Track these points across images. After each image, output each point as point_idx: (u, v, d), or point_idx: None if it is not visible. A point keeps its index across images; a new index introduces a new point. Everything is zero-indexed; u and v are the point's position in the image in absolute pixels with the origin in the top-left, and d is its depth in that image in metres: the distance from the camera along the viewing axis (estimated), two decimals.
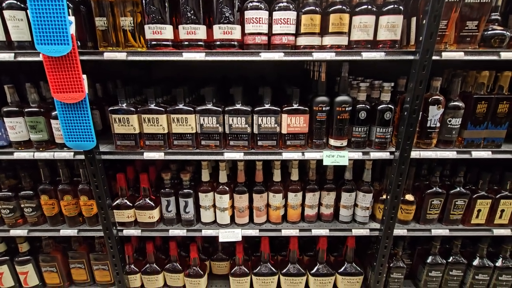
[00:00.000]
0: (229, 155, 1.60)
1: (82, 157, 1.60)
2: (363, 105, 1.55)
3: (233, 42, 1.44)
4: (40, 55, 1.39)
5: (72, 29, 1.26)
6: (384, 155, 1.59)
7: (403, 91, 1.67)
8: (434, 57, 1.38)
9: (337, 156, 1.57)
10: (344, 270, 1.89)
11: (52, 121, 1.58)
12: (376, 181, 1.87)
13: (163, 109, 1.55)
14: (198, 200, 1.79)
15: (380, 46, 1.45)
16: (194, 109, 1.56)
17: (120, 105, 1.55)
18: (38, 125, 1.57)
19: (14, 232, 1.82)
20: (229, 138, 1.60)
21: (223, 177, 1.74)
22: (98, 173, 1.60)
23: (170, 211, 1.81)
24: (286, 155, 1.60)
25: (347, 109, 1.53)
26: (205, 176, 1.76)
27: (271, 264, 1.93)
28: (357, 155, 1.60)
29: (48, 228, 1.84)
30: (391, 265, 1.88)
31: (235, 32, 1.42)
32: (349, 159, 1.59)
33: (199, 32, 1.41)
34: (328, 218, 1.84)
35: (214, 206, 1.81)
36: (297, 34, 1.46)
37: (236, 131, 1.58)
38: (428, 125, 1.56)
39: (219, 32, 1.41)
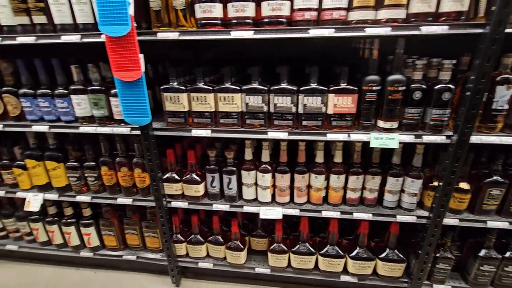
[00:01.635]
0: (273, 134, 1.62)
1: (137, 132, 1.73)
2: (419, 85, 1.45)
3: (281, 19, 1.42)
4: (102, 36, 1.50)
5: (131, 10, 1.33)
6: (439, 139, 1.48)
7: (465, 69, 1.52)
8: (507, 30, 1.23)
9: (386, 138, 1.51)
10: (386, 256, 1.85)
11: (111, 99, 1.72)
12: (426, 166, 1.76)
13: (211, 88, 1.60)
14: (241, 177, 1.85)
15: (443, 19, 1.33)
16: (240, 88, 1.58)
17: (171, 83, 1.62)
18: (99, 102, 1.72)
19: (79, 198, 2.05)
20: (274, 117, 1.61)
21: (265, 156, 1.77)
22: (151, 148, 1.72)
23: (214, 187, 1.90)
24: (331, 136, 1.57)
25: (400, 88, 1.44)
26: (248, 154, 1.80)
27: (309, 244, 1.95)
28: (409, 138, 1.51)
29: (107, 196, 2.04)
30: (437, 255, 1.80)
31: (284, 8, 1.39)
32: (400, 142, 1.51)
33: (248, 9, 1.41)
34: (371, 203, 1.79)
35: (256, 184, 1.86)
36: (349, 8, 1.39)
37: (281, 111, 1.58)
38: (493, 107, 1.41)
39: (268, 8, 1.39)
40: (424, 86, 1.45)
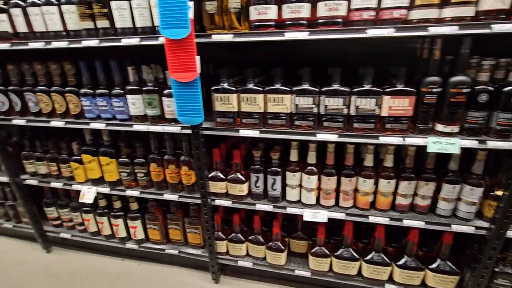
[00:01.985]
0: (322, 136, 1.60)
1: (187, 131, 1.79)
2: (485, 87, 1.36)
3: (337, 20, 1.39)
4: (160, 39, 1.57)
5: (191, 14, 1.38)
6: (507, 145, 1.38)
7: None
8: None
9: (445, 143, 1.43)
10: (437, 267, 1.75)
11: (164, 99, 1.79)
12: (487, 174, 1.65)
13: (261, 89, 1.61)
14: (285, 178, 1.85)
15: None
16: (290, 89, 1.58)
17: (221, 84, 1.66)
18: (153, 102, 1.81)
19: (129, 193, 2.16)
20: (323, 119, 1.59)
21: (312, 158, 1.76)
22: (200, 147, 1.77)
23: (258, 187, 1.91)
24: (384, 139, 1.52)
25: (464, 90, 1.36)
26: (294, 156, 1.80)
27: (353, 249, 1.90)
28: (471, 143, 1.42)
29: (154, 191, 2.13)
30: (496, 270, 1.67)
31: (341, 8, 1.37)
32: (461, 147, 1.43)
33: (303, 10, 1.40)
34: (423, 210, 1.71)
35: (300, 185, 1.85)
36: (410, 6, 1.34)
37: (332, 112, 1.56)
38: None
39: (324, 9, 1.37)
40: (491, 88, 1.35)
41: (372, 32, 1.34)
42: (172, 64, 1.51)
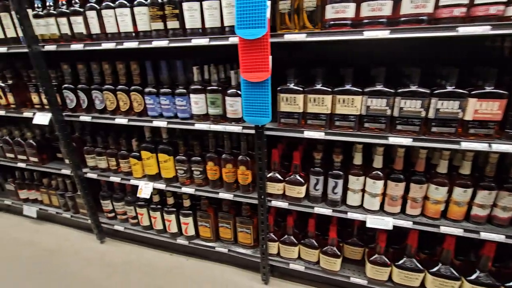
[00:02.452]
0: (394, 140, 1.52)
1: (248, 131, 1.79)
2: None
3: (422, 17, 1.32)
4: (229, 39, 1.58)
5: (268, 13, 1.37)
6: None
7: None
8: None
9: None
10: None
11: (227, 98, 1.80)
12: None
13: (330, 90, 1.57)
14: (347, 182, 1.79)
15: None
16: (362, 90, 1.52)
17: (288, 84, 1.64)
18: (216, 101, 1.82)
19: (184, 190, 2.21)
20: (397, 122, 1.52)
21: (378, 162, 1.69)
22: (263, 147, 1.76)
23: (318, 190, 1.87)
24: (466, 145, 1.42)
25: None
26: (358, 159, 1.74)
27: (416, 260, 1.81)
28: None
29: (209, 189, 2.16)
30: None
31: (428, 6, 1.29)
32: None
33: (385, 8, 1.34)
34: (503, 222, 1.58)
35: (363, 190, 1.78)
36: (508, 2, 1.23)
37: (407, 115, 1.48)
38: None
39: (410, 6, 1.30)
40: None
41: (464, 30, 1.25)
42: (244, 64, 1.51)
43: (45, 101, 2.33)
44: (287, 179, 1.91)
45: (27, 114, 2.44)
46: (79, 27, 1.95)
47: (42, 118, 2.35)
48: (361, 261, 2.12)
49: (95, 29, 1.93)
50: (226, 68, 1.95)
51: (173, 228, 2.45)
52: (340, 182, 1.79)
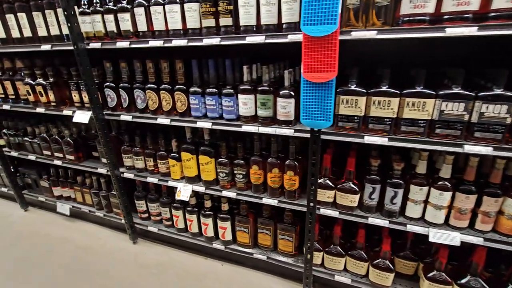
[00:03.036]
0: (471, 148, 1.38)
1: (302, 134, 1.69)
2: None
3: None
4: (288, 36, 1.48)
5: (339, 8, 1.26)
6: None
7: None
8: None
9: None
10: None
11: (279, 99, 1.70)
12: None
13: (398, 92, 1.44)
14: (407, 192, 1.65)
15: None
16: (435, 93, 1.39)
17: (349, 86, 1.52)
18: (267, 102, 1.73)
19: (225, 193, 2.13)
20: (475, 128, 1.37)
21: (446, 171, 1.54)
22: (318, 152, 1.65)
23: (373, 199, 1.75)
24: None
25: None
26: (422, 168, 1.60)
27: (482, 280, 1.65)
28: None
29: (251, 194, 2.07)
30: None
31: None
32: None
33: (474, 2, 1.20)
34: None
35: (425, 201, 1.64)
36: None
37: (489, 121, 1.34)
38: None
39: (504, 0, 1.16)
40: None
41: None
42: (307, 63, 1.40)
43: (85, 99, 2.31)
44: (339, 187, 1.79)
45: (66, 112, 2.43)
46: (126, 24, 1.90)
47: (82, 117, 2.32)
48: (413, 276, 1.98)
49: (142, 26, 1.88)
50: (277, 68, 1.86)
51: (210, 232, 2.38)
52: (400, 192, 1.65)
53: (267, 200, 2.01)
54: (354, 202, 1.78)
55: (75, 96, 2.39)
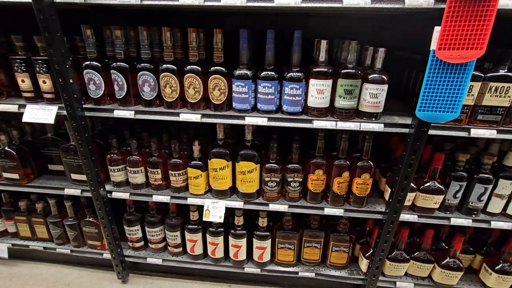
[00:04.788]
0: None
1: (394, 129, 1.37)
2: None
3: None
4: (405, 2, 1.11)
5: None
6: None
7: None
8: None
9: None
10: None
11: (368, 86, 1.33)
12: None
13: None
14: (494, 187, 1.52)
15: None
16: None
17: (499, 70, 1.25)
18: (354, 90, 1.34)
19: (273, 207, 1.67)
20: None
21: None
22: (419, 151, 1.36)
23: (457, 198, 1.57)
24: None
25: None
26: None
27: None
28: None
29: (307, 205, 1.67)
30: None
31: None
32: None
33: None
34: None
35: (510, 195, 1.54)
36: None
37: None
38: None
39: None
40: None
41: None
42: (446, 37, 1.06)
43: (45, 85, 1.49)
44: (422, 187, 1.55)
45: (6, 106, 1.54)
46: None
47: (41, 114, 1.50)
48: (468, 268, 1.93)
49: None
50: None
51: (242, 255, 1.89)
52: (489, 188, 1.51)
53: (330, 210, 1.64)
54: (437, 203, 1.57)
55: (24, 82, 1.52)
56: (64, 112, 1.49)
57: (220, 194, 1.71)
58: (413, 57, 1.55)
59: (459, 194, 1.56)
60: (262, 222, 1.81)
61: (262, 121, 1.43)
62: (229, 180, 1.67)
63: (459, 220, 1.59)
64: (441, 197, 1.56)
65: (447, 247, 1.82)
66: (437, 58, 1.10)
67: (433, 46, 1.09)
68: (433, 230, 1.72)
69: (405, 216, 1.61)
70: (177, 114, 1.46)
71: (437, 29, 1.07)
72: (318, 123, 1.40)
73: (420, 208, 1.60)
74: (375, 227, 1.77)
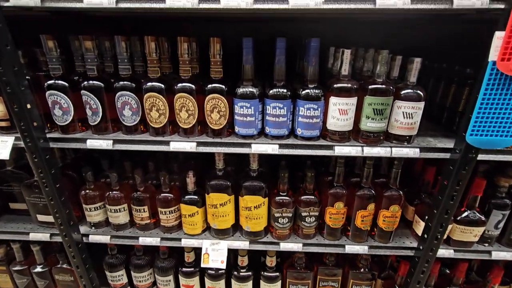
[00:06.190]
0: None
1: (430, 155, 1.14)
2: None
3: None
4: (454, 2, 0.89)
5: None
6: None
7: None
8: None
9: None
10: None
11: (400, 103, 1.10)
12: None
13: None
14: None
15: None
16: None
17: None
18: (385, 109, 1.10)
19: (286, 246, 1.41)
20: None
21: None
22: (464, 179, 1.13)
23: (498, 228, 1.35)
24: None
25: None
26: None
27: None
28: None
29: (324, 242, 1.42)
30: None
31: None
32: None
33: None
34: None
35: None
36: None
37: None
38: None
39: None
40: None
41: None
42: (509, 44, 0.84)
43: None
44: (459, 218, 1.33)
45: None
46: None
47: None
48: None
49: None
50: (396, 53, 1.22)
51: None
52: None
53: (353, 248, 1.39)
54: (477, 236, 1.35)
55: None
56: (22, 144, 1.18)
57: (221, 234, 1.43)
58: (448, 68, 1.34)
59: (501, 225, 1.34)
60: (271, 261, 1.54)
61: (272, 148, 1.17)
62: (232, 216, 1.39)
63: (501, 254, 1.37)
64: (482, 229, 1.33)
65: (480, 279, 1.60)
66: (497, 71, 0.87)
67: (493, 56, 0.87)
68: (467, 263, 1.50)
69: (440, 252, 1.37)
70: (167, 143, 1.18)
71: (498, 35, 0.84)
72: (341, 150, 1.15)
73: (456, 242, 1.37)
74: (401, 261, 1.53)
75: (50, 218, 1.42)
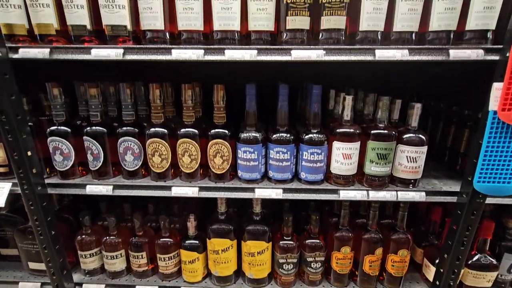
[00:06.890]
0: None
1: (436, 199, 1.12)
2: None
3: None
4: (450, 53, 0.92)
5: None
6: None
7: None
8: None
9: None
10: None
11: (403, 148, 1.10)
12: None
13: None
14: None
15: None
16: None
17: None
18: (389, 154, 1.10)
19: None
20: None
21: None
22: (474, 225, 1.10)
23: (511, 273, 1.30)
24: None
25: None
26: None
27: None
28: None
29: None
30: None
31: None
32: None
33: None
34: None
35: None
36: None
37: None
38: None
39: None
40: None
41: None
42: (508, 94, 0.86)
43: None
44: (470, 263, 1.28)
45: None
46: (119, 15, 0.97)
47: None
48: None
49: (154, 21, 0.99)
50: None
51: None
52: None
53: None
54: (491, 281, 1.29)
55: None
56: (19, 191, 1.14)
57: (223, 281, 1.36)
58: (446, 108, 1.37)
59: None
60: None
61: (276, 193, 1.15)
62: (234, 262, 1.33)
63: None
64: (495, 274, 1.28)
65: None
66: (498, 119, 0.89)
67: (493, 106, 0.88)
68: None
69: None
70: (169, 188, 1.16)
71: (497, 86, 0.86)
72: (346, 194, 1.13)
73: None
74: None
75: (42, 266, 1.35)
